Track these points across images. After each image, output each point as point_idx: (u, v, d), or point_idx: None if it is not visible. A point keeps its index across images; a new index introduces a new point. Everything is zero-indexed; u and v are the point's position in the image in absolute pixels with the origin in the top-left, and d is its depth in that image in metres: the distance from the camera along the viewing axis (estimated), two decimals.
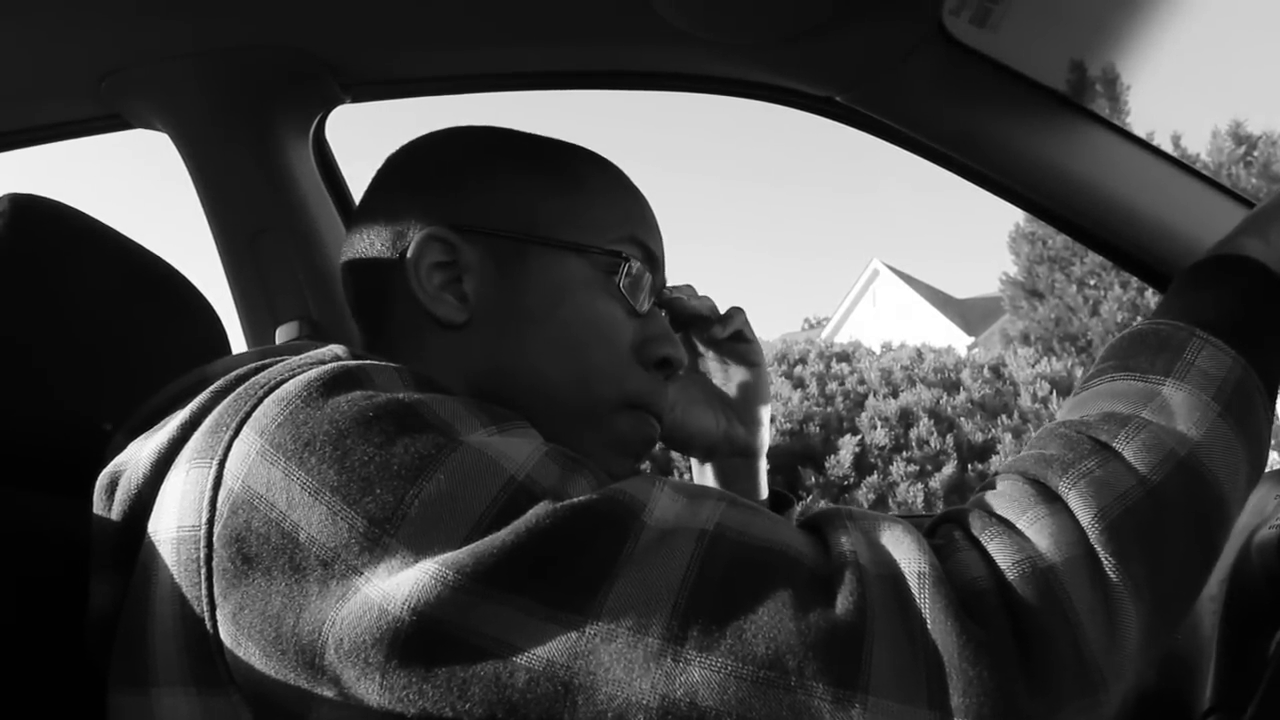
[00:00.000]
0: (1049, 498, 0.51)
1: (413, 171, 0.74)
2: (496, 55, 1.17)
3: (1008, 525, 0.51)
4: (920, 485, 7.11)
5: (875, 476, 7.20)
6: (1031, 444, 0.57)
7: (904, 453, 7.32)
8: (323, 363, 0.56)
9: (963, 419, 7.60)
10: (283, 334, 1.28)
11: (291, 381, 0.54)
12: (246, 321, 1.32)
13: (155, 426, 0.59)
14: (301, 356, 0.59)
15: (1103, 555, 0.49)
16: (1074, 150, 1.09)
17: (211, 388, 0.57)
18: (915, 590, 0.47)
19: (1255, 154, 11.70)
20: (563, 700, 0.46)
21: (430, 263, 0.68)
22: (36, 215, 0.73)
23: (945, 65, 1.04)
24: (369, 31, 1.10)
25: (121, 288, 0.78)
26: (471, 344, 0.68)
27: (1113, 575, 0.48)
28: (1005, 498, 0.52)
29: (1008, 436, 7.42)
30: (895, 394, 7.81)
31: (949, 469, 7.20)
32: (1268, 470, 0.94)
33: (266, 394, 0.54)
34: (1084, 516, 0.50)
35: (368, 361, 0.57)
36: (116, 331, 0.77)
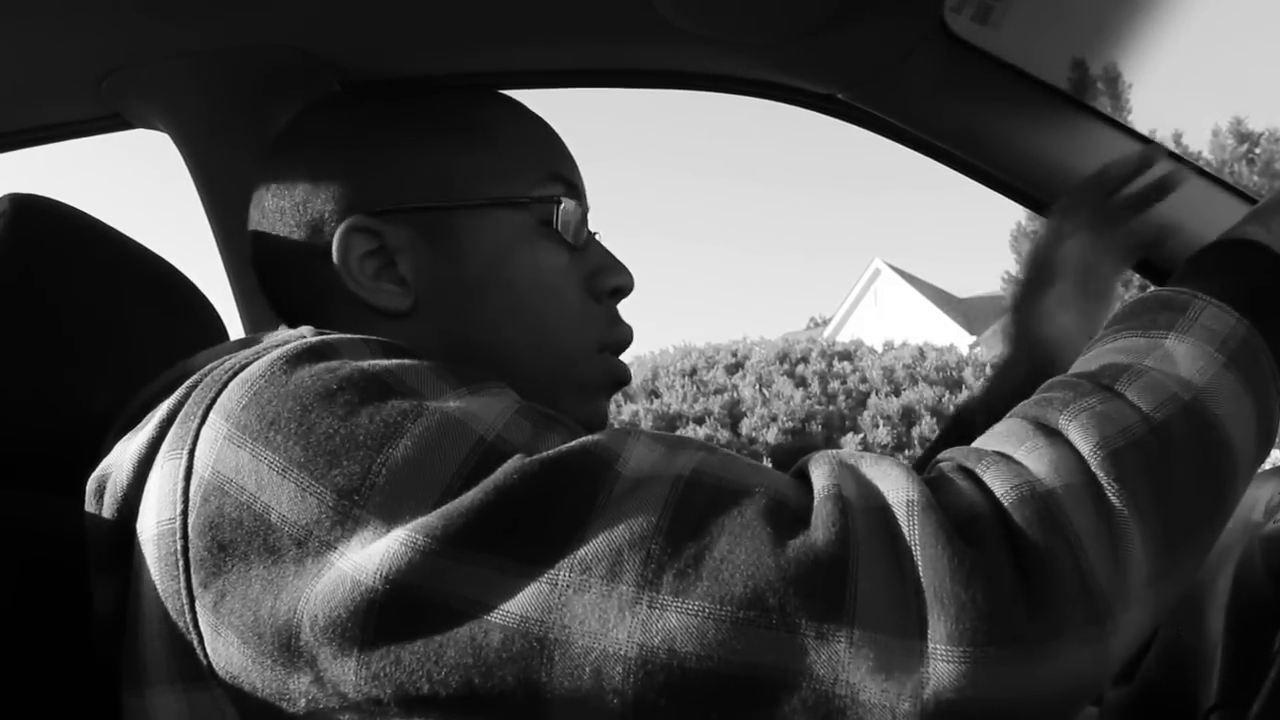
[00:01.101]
0: (1048, 432, 0.50)
1: (313, 158, 0.70)
2: (497, 54, 1.16)
3: (1004, 456, 0.49)
4: None
5: None
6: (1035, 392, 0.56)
7: (906, 451, 7.31)
8: (288, 342, 0.55)
9: None
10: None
11: (256, 363, 0.53)
12: (248, 321, 1.32)
13: (137, 425, 0.58)
14: (267, 340, 0.58)
15: (1105, 481, 0.47)
16: (1076, 147, 1.09)
17: (188, 381, 0.56)
18: (903, 519, 0.46)
19: (1257, 151, 11.70)
20: (538, 656, 0.44)
21: (358, 254, 0.66)
22: (37, 215, 0.73)
23: (947, 63, 1.04)
24: (370, 31, 1.09)
25: (123, 288, 0.78)
26: (424, 327, 0.67)
27: (1115, 501, 0.47)
28: (1002, 435, 0.51)
29: None
30: (897, 393, 7.81)
31: None
32: (1270, 467, 0.94)
33: (231, 378, 0.53)
34: (1084, 446, 0.48)
35: (333, 335, 0.56)
36: (117, 331, 0.77)
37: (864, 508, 0.46)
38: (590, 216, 0.75)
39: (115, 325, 0.77)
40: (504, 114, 0.72)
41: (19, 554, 0.65)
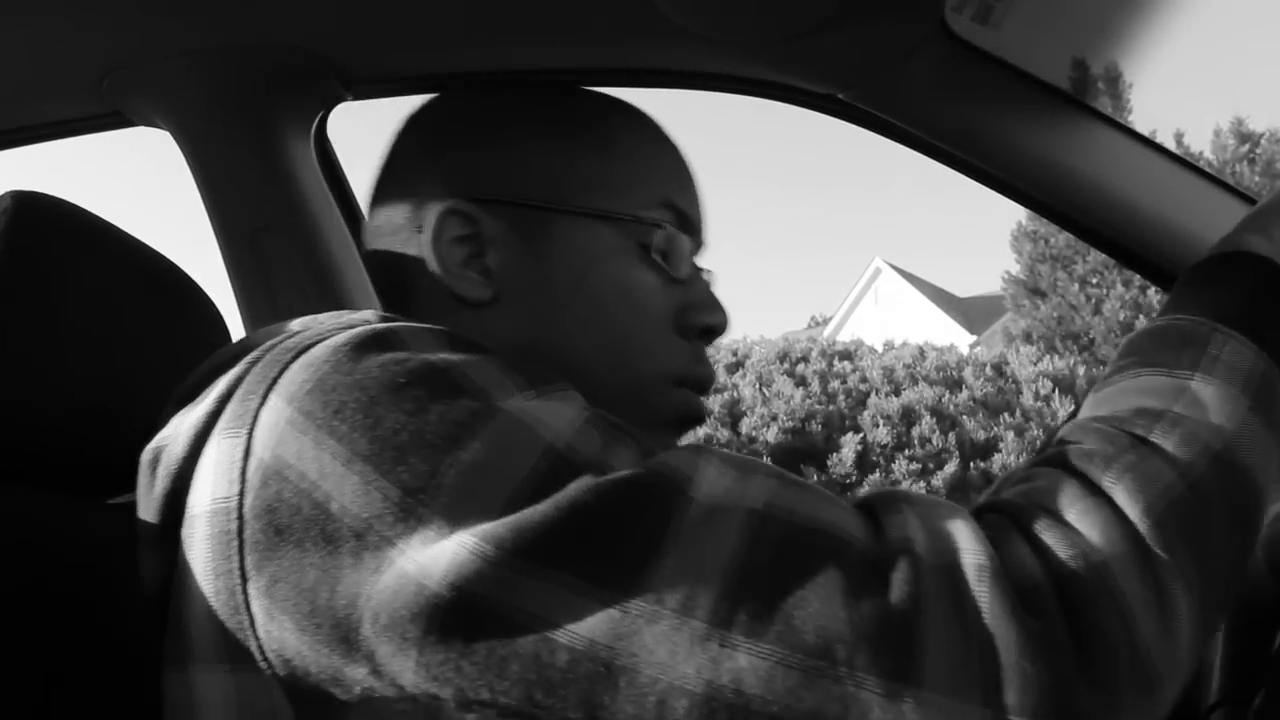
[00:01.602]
0: (1094, 491, 0.50)
1: (429, 137, 0.71)
2: (498, 53, 1.16)
3: (1056, 518, 0.49)
4: (923, 483, 7.11)
5: (877, 475, 7.20)
6: (1060, 439, 0.55)
7: (906, 451, 7.32)
8: (353, 326, 0.55)
9: (965, 417, 7.61)
10: None
11: (320, 345, 0.52)
12: (249, 319, 1.32)
13: (197, 398, 0.58)
14: (331, 321, 0.58)
15: (1153, 549, 0.48)
16: (1076, 148, 1.09)
17: (248, 356, 0.55)
18: (974, 583, 0.46)
19: (1258, 151, 11.70)
20: (604, 681, 0.44)
21: (451, 237, 0.66)
22: (39, 212, 0.73)
23: (947, 63, 1.04)
24: (371, 29, 1.09)
25: (124, 285, 0.78)
26: (500, 322, 0.66)
27: (1163, 570, 0.47)
28: (1050, 491, 0.51)
29: (1010, 435, 7.42)
30: (897, 392, 7.81)
31: (951, 467, 7.20)
32: None
33: (294, 359, 0.52)
34: (1131, 511, 0.48)
35: (400, 323, 0.55)
36: (118, 329, 0.77)
37: (934, 565, 0.46)
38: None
39: (116, 322, 0.77)
40: (631, 130, 0.71)
41: (19, 551, 0.65)
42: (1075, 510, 0.49)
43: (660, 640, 0.44)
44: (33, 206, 0.73)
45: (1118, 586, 0.46)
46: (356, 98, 1.25)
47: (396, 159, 0.72)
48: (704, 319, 0.70)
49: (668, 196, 0.69)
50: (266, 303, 1.30)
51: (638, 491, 0.47)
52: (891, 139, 1.15)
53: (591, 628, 0.44)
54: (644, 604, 0.44)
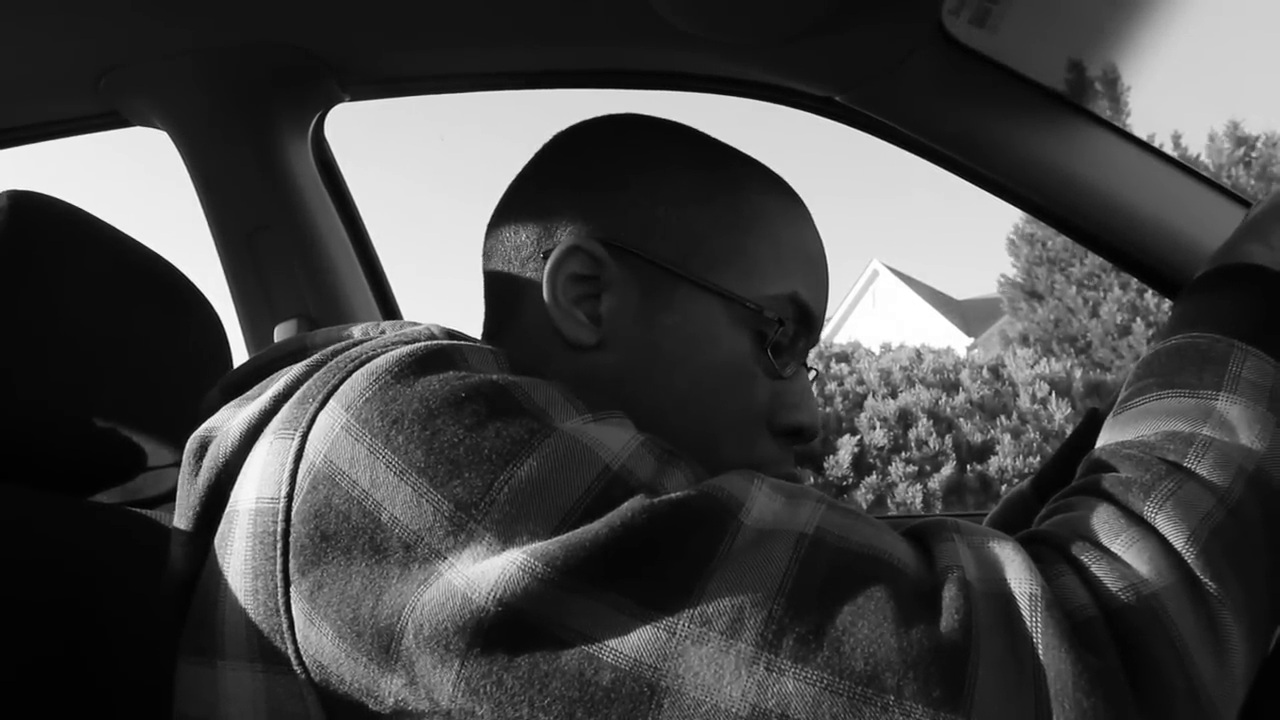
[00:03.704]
0: (1136, 521, 0.50)
1: (575, 165, 0.69)
2: (495, 54, 1.17)
3: (1103, 550, 0.49)
4: (919, 486, 7.12)
5: (874, 477, 7.20)
6: (1092, 467, 0.55)
7: (903, 453, 7.32)
8: (417, 340, 0.55)
9: (962, 420, 7.61)
10: (281, 332, 1.28)
11: (382, 357, 0.52)
12: (245, 319, 1.32)
13: (249, 394, 0.58)
14: (395, 333, 0.58)
15: (1202, 579, 0.47)
16: (1074, 151, 1.09)
17: (307, 361, 0.55)
18: (1026, 612, 0.45)
19: (1254, 154, 11.72)
20: (648, 702, 0.44)
21: (570, 273, 0.64)
22: (35, 212, 0.73)
23: (945, 66, 1.04)
24: (369, 30, 1.10)
25: (120, 285, 0.78)
26: (593, 370, 0.64)
27: (1214, 599, 0.47)
28: (1092, 521, 0.51)
29: (1006, 437, 7.42)
30: (894, 395, 7.81)
31: (948, 470, 7.21)
32: None
33: (356, 368, 0.52)
34: (1177, 540, 0.48)
35: (463, 342, 0.55)
36: (115, 329, 0.77)
37: (985, 592, 0.46)
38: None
39: (113, 323, 0.77)
40: (777, 212, 0.69)
41: (16, 550, 0.65)
42: (1120, 541, 0.49)
43: (706, 662, 0.43)
44: (30, 206, 0.73)
45: (1170, 619, 0.46)
46: (354, 99, 1.25)
47: (537, 178, 0.70)
48: (794, 417, 0.67)
49: (796, 291, 0.67)
50: (263, 302, 1.30)
51: (689, 513, 0.47)
52: (889, 141, 1.15)
53: (636, 647, 0.44)
54: (691, 626, 0.44)
